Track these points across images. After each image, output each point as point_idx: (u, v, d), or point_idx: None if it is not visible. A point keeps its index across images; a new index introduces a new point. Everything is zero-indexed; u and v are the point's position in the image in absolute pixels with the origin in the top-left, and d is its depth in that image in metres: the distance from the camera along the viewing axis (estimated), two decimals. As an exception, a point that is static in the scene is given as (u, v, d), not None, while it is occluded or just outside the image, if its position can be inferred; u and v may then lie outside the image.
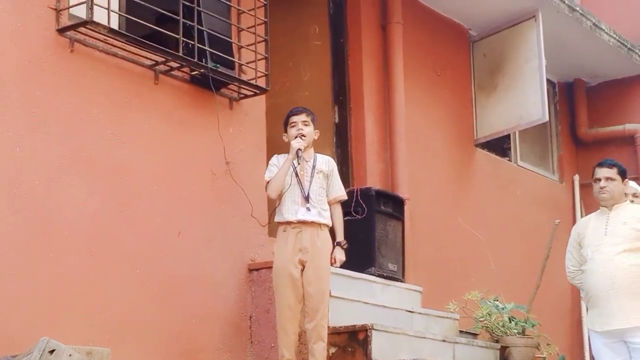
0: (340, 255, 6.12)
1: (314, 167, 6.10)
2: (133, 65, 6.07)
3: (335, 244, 6.11)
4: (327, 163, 6.20)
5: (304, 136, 6.04)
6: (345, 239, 6.18)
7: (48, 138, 5.52)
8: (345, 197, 6.29)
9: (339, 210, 6.20)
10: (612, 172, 6.33)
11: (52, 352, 4.40)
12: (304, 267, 5.95)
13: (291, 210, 6.00)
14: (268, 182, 6.05)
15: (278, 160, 6.11)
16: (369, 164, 8.18)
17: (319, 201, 6.06)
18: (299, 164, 6.02)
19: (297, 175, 6.04)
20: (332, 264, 6.08)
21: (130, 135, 6.00)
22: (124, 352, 5.63)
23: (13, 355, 4.56)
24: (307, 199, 6.00)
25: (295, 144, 5.98)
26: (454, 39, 9.42)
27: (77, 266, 5.57)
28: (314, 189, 6.05)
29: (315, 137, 6.19)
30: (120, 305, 5.76)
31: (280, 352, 5.92)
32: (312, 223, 5.98)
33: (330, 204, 6.13)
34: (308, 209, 5.99)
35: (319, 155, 6.21)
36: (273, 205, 6.18)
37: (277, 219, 6.09)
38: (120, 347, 5.60)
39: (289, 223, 6.00)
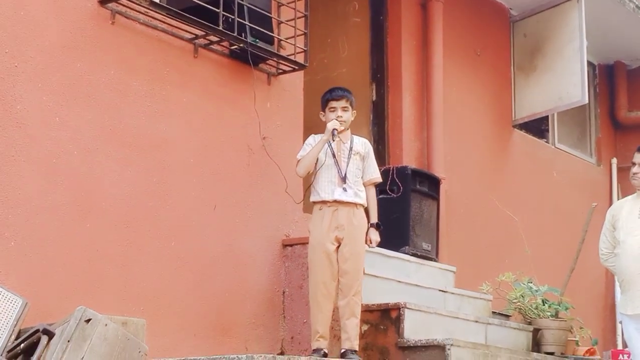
0: (375, 236, 6.13)
1: (351, 148, 6.10)
2: (173, 38, 6.08)
3: (369, 224, 6.12)
4: (363, 145, 6.19)
5: (343, 121, 6.04)
6: (379, 219, 6.18)
7: (87, 109, 5.55)
8: (380, 180, 6.29)
9: (373, 192, 6.20)
10: None
11: (88, 321, 4.44)
12: (339, 244, 5.96)
13: (328, 190, 6.00)
14: (299, 160, 6.06)
15: (314, 139, 6.11)
16: (405, 142, 8.15)
17: (355, 182, 6.06)
18: (333, 140, 6.01)
19: (334, 156, 6.04)
20: (367, 245, 6.08)
21: (169, 109, 6.01)
22: (158, 323, 5.67)
23: (49, 323, 4.61)
24: (344, 179, 6.01)
25: (331, 125, 5.98)
26: (494, 18, 9.34)
27: (114, 238, 5.61)
28: (351, 169, 6.05)
29: (352, 118, 6.18)
30: (155, 277, 5.80)
31: (314, 328, 5.93)
32: (349, 203, 5.99)
33: (364, 185, 6.12)
34: (345, 190, 6.00)
35: (355, 137, 6.20)
36: (308, 182, 6.19)
37: (312, 198, 6.09)
38: (155, 318, 5.64)
39: (324, 202, 6.01)
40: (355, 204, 6.01)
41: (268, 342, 6.46)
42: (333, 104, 6.10)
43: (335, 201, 5.98)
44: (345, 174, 6.02)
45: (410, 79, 8.29)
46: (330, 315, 5.96)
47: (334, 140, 6.02)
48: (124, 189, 5.70)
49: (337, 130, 5.99)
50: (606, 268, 6.81)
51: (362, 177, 6.12)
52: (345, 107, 6.09)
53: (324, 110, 6.14)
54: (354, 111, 6.19)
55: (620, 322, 7.90)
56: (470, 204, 8.71)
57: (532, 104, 9.31)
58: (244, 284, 6.36)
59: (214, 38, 6.25)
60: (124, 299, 5.59)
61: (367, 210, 6.14)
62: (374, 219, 6.15)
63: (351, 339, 5.88)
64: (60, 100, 5.41)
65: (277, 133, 6.72)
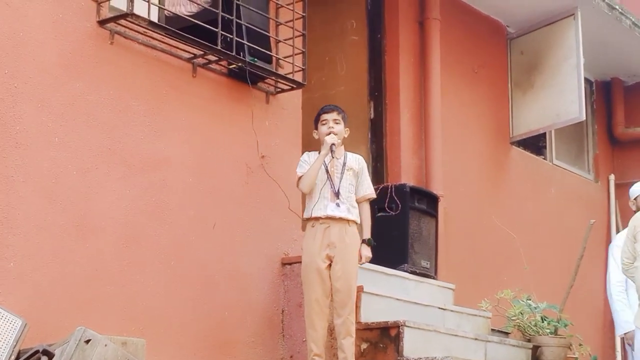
0: (367, 252, 6.13)
1: (344, 164, 6.13)
2: (172, 58, 6.10)
3: (361, 240, 6.12)
4: (357, 161, 6.22)
5: (335, 134, 6.06)
6: (377, 235, 6.19)
7: (86, 129, 5.55)
8: (374, 196, 6.30)
9: (367, 209, 6.21)
10: None
11: (88, 341, 4.44)
12: (331, 262, 5.97)
13: (320, 206, 6.01)
14: (300, 177, 6.07)
15: (309, 157, 6.14)
16: (403, 160, 8.17)
17: (349, 198, 6.07)
18: (332, 157, 6.03)
19: (327, 171, 6.06)
20: (358, 261, 6.09)
21: (168, 128, 6.03)
22: (157, 343, 5.66)
23: (49, 344, 4.60)
24: (337, 195, 6.02)
25: (329, 139, 6.01)
26: (491, 36, 9.37)
27: (113, 257, 5.60)
28: (344, 185, 6.07)
29: (345, 135, 6.21)
30: (154, 296, 5.79)
31: (309, 346, 5.95)
32: (341, 219, 6.00)
33: (358, 202, 6.14)
34: (338, 205, 6.01)
35: (349, 153, 6.23)
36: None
37: (305, 215, 6.11)
38: (154, 338, 5.63)
39: (317, 219, 6.02)
40: (348, 221, 6.02)
41: (267, 361, 6.46)
42: (324, 116, 6.14)
43: (327, 217, 5.99)
44: (338, 190, 6.03)
45: (408, 96, 8.31)
46: (325, 333, 5.97)
47: (333, 157, 6.03)
48: (123, 208, 5.70)
49: (335, 145, 6.01)
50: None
51: (355, 194, 6.14)
52: (336, 119, 6.13)
53: (316, 128, 6.17)
54: (347, 129, 6.22)
55: (622, 337, 7.94)
56: (469, 221, 8.71)
57: (530, 121, 9.33)
58: (243, 302, 6.35)
59: (212, 57, 6.27)
60: (124, 319, 5.59)
61: (360, 227, 6.16)
62: (366, 235, 6.16)
63: (348, 358, 5.88)
64: (60, 120, 5.42)
65: (276, 151, 6.73)
